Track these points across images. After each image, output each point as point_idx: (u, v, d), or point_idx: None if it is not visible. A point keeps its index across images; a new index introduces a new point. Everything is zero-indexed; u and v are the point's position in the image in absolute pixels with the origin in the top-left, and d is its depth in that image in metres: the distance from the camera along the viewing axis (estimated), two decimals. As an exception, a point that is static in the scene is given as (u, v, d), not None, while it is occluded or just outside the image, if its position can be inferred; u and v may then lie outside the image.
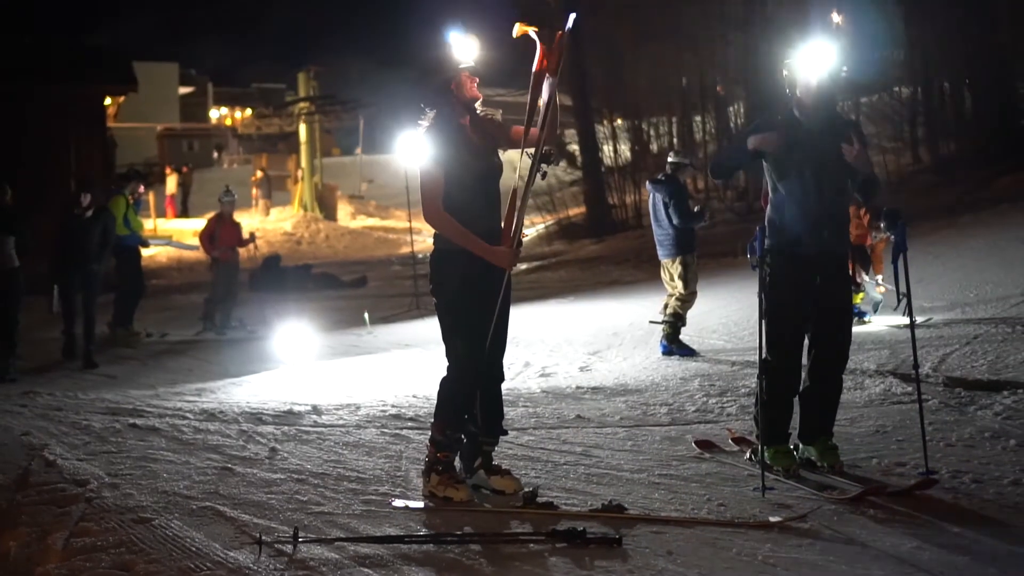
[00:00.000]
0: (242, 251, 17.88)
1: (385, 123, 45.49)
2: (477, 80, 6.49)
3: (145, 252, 17.73)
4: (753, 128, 7.10)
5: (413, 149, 6.54)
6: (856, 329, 11.82)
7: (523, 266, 27.36)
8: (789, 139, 6.84)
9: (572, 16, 6.43)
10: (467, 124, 6.45)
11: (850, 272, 7.72)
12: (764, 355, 6.92)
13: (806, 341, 6.99)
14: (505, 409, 6.79)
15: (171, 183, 44.12)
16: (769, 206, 7.06)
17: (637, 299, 17.23)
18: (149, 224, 32.43)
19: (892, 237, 13.28)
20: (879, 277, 13.57)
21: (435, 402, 6.53)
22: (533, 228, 34.14)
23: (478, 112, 6.51)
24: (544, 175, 6.44)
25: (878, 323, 13.12)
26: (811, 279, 6.88)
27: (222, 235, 17.19)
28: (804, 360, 7.02)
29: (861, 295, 13.23)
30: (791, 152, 6.86)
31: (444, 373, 6.49)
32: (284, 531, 5.52)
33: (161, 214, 40.95)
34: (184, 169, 46.48)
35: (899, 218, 13.33)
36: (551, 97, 6.36)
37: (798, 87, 6.94)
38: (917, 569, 5.00)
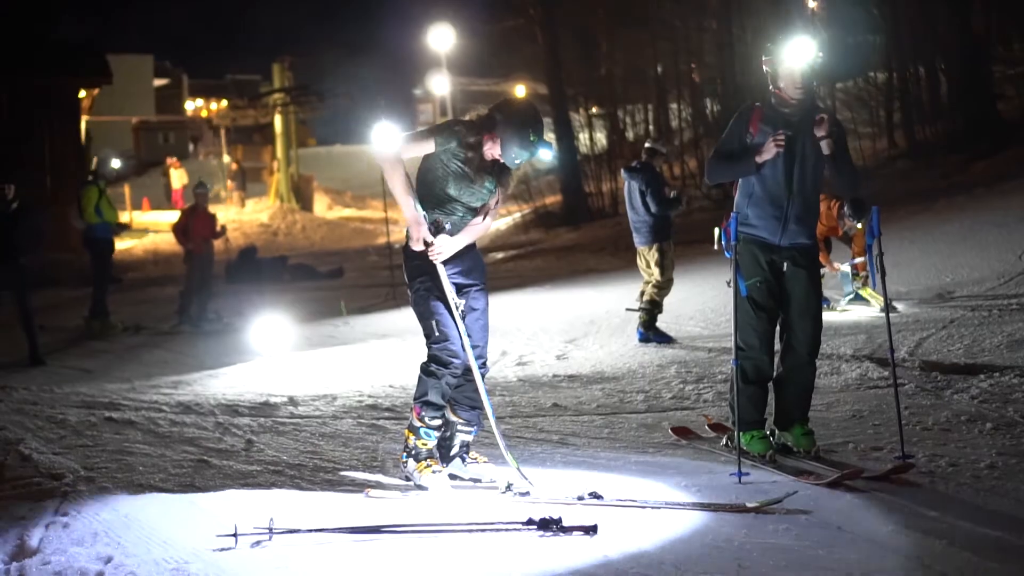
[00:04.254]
0: (216, 243, 17.82)
1: (361, 113, 45.37)
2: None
3: (121, 245, 17.59)
4: (736, 120, 7.05)
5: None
6: (832, 315, 11.89)
7: (499, 255, 27.38)
8: (775, 133, 6.79)
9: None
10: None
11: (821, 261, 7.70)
12: (737, 341, 6.92)
13: (779, 327, 7.00)
14: (483, 398, 6.77)
15: (176, 176, 43.85)
16: (739, 193, 7.03)
17: (614, 287, 17.23)
18: (125, 217, 32.33)
19: (860, 225, 13.29)
20: (857, 261, 13.49)
21: (413, 390, 6.52)
22: (509, 216, 34.13)
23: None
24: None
25: (853, 309, 13.13)
26: (779, 266, 6.89)
27: (196, 227, 17.10)
28: (777, 346, 7.03)
29: (867, 290, 13.17)
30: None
31: (423, 359, 6.48)
32: (260, 523, 5.49)
33: (159, 206, 41.65)
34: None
35: (865, 206, 13.30)
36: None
37: (781, 79, 6.89)
38: (894, 553, 5.01)
